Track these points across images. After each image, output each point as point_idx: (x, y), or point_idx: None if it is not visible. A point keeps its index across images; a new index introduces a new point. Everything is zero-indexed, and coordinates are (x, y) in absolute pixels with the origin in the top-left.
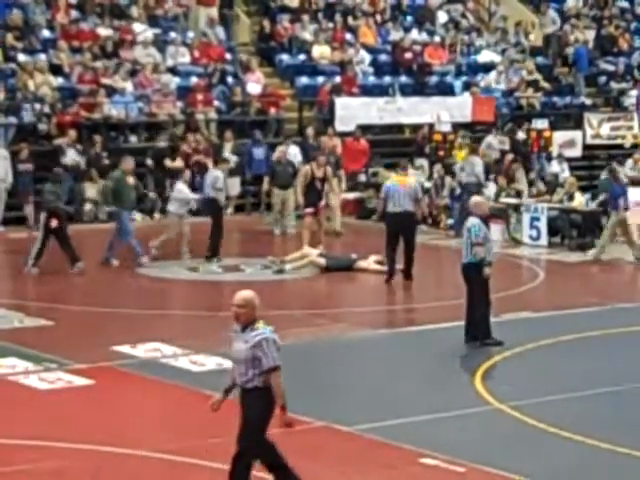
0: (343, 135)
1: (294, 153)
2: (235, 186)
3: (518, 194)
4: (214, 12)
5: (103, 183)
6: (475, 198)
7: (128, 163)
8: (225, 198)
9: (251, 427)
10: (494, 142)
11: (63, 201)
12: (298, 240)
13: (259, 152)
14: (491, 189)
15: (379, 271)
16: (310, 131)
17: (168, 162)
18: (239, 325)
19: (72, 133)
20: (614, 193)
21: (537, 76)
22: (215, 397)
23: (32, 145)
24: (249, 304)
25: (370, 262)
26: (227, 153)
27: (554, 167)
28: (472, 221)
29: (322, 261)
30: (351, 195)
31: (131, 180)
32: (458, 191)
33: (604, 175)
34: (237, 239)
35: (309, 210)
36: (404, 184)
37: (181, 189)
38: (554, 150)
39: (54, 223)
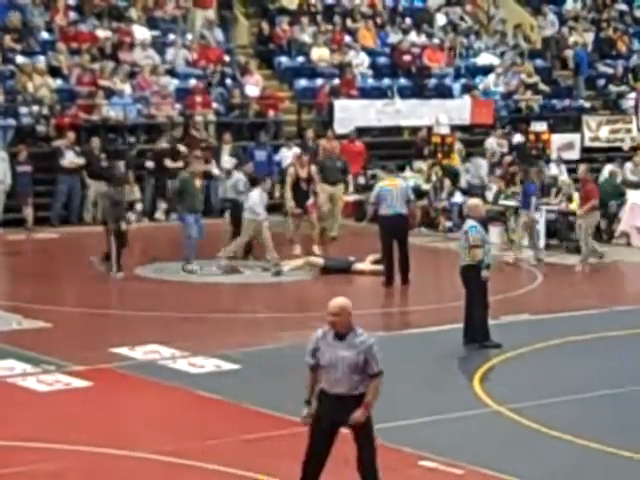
0: (341, 138)
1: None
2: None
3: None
4: (211, 14)
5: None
6: (471, 201)
7: (198, 165)
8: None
9: (372, 432)
10: (494, 144)
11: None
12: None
13: (261, 154)
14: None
15: (377, 272)
16: (309, 134)
17: (169, 162)
18: (333, 333)
19: (71, 135)
20: (527, 192)
21: (536, 79)
22: (303, 413)
23: (31, 147)
24: (344, 311)
25: (367, 263)
26: (225, 156)
27: (552, 170)
28: (470, 223)
29: (320, 261)
30: (350, 197)
31: (198, 183)
32: (457, 194)
33: (602, 177)
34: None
35: (297, 210)
36: (395, 186)
37: (253, 196)
38: (552, 153)
39: (124, 226)
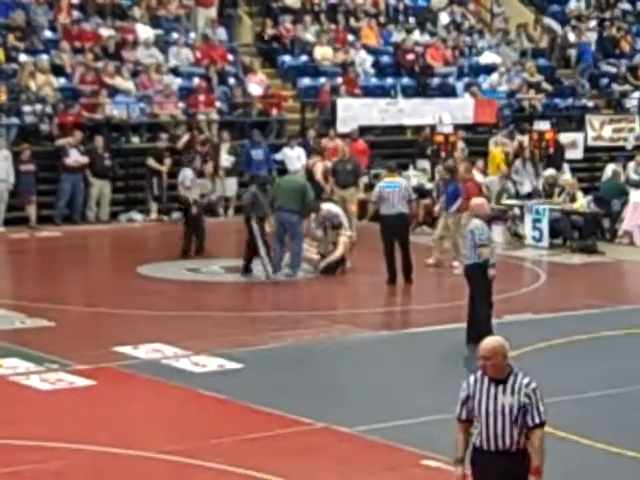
0: (344, 137)
1: (298, 155)
2: (232, 187)
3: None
4: (213, 13)
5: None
6: (476, 200)
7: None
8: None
9: None
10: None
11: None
12: None
13: (258, 153)
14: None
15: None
16: (311, 133)
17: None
18: (488, 378)
19: (77, 134)
20: (450, 192)
21: (539, 78)
22: (458, 472)
23: (34, 146)
24: (497, 354)
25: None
26: (224, 154)
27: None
28: (475, 223)
29: (316, 257)
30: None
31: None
32: None
33: (605, 176)
34: (238, 240)
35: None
36: (396, 185)
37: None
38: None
39: (268, 228)
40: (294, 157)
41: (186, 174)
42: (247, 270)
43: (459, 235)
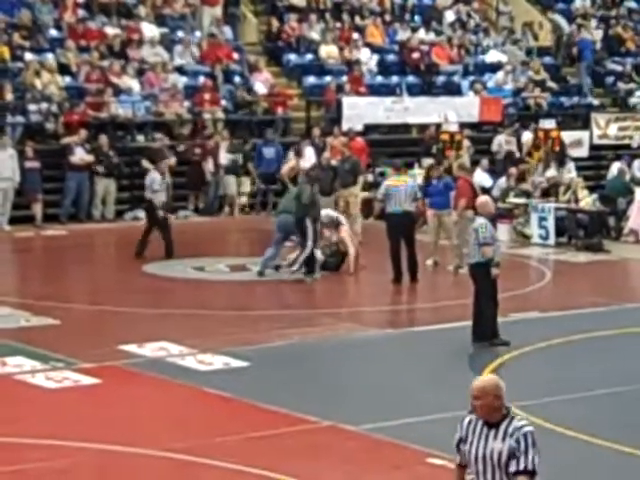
0: (346, 135)
1: (309, 155)
2: (232, 185)
3: (527, 194)
4: (218, 11)
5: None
6: (481, 198)
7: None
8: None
9: None
10: (503, 142)
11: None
12: None
13: (270, 151)
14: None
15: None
16: (316, 131)
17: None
18: (482, 420)
19: (83, 132)
20: (428, 192)
21: (544, 76)
22: None
23: (40, 144)
24: (487, 394)
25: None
26: (223, 152)
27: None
28: (479, 221)
29: (320, 258)
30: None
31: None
32: None
33: (611, 175)
34: (244, 238)
35: None
36: (402, 184)
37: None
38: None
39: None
40: (306, 157)
41: (154, 177)
42: (311, 271)
43: (459, 235)
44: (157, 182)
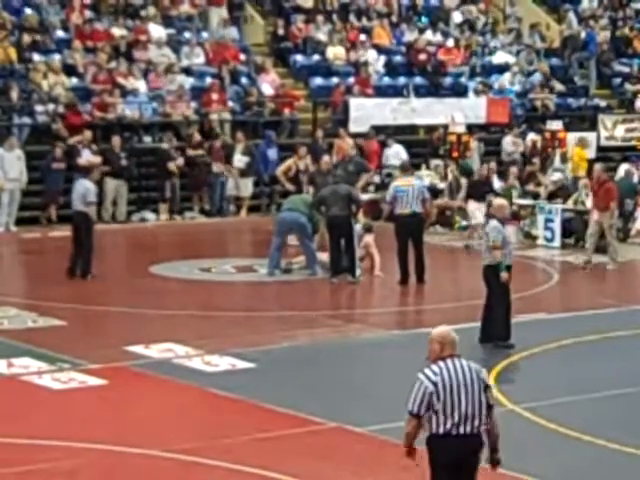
0: (357, 136)
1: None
2: (247, 187)
3: (534, 196)
4: (225, 12)
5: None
6: (497, 200)
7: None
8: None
9: None
10: (510, 143)
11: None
12: None
13: (273, 153)
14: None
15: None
16: (319, 133)
17: (172, 165)
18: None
19: (88, 133)
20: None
21: (551, 77)
22: None
23: (46, 145)
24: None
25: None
26: (238, 154)
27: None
28: (492, 224)
29: (327, 259)
30: (365, 196)
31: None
32: None
33: (618, 176)
34: (250, 240)
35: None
36: (410, 185)
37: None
38: (568, 151)
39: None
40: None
41: (88, 187)
42: (339, 271)
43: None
44: (92, 193)
